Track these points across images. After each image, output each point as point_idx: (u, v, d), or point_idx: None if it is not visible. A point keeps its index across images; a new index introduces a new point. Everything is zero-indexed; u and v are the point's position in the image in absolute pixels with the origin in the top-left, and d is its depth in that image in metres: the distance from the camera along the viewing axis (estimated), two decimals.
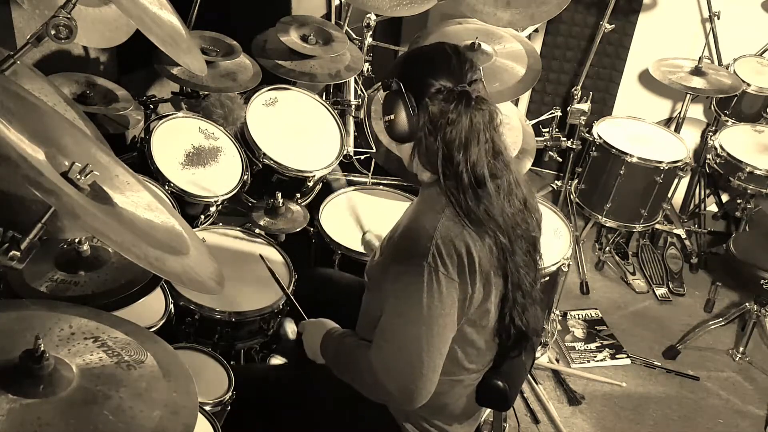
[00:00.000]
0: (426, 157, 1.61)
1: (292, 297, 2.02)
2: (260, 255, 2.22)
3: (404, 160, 1.70)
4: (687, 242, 3.73)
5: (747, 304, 3.13)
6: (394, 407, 1.75)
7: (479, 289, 1.57)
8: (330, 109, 2.80)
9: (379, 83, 2.91)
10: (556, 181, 3.83)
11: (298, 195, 2.59)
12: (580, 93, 3.59)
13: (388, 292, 1.58)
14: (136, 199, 1.40)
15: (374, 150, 2.79)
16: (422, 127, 1.58)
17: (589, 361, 3.07)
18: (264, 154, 2.51)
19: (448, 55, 1.61)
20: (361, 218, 2.59)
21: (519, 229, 1.63)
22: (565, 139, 3.41)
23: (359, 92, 2.95)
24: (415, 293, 1.51)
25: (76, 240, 1.59)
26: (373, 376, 1.58)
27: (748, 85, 3.57)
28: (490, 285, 1.59)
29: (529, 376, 2.15)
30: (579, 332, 3.20)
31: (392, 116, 1.61)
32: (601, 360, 3.09)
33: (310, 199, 2.69)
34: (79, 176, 1.23)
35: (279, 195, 2.37)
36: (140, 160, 2.34)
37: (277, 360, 2.27)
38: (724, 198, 3.89)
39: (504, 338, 1.69)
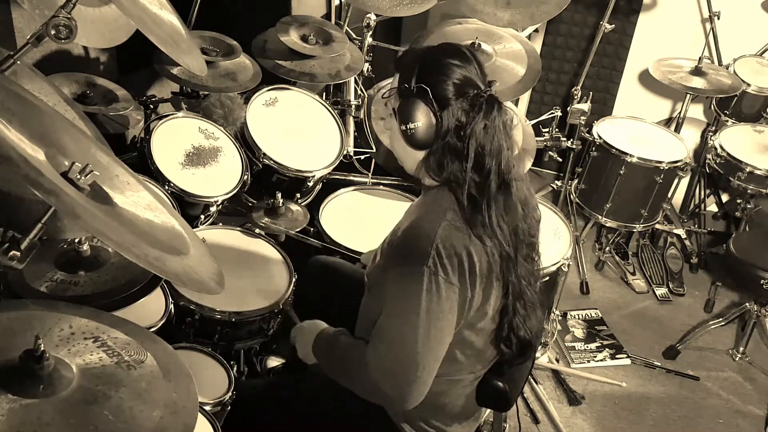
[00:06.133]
0: (440, 164, 1.57)
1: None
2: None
3: (406, 164, 1.66)
4: (687, 242, 3.73)
5: (747, 304, 3.13)
6: (389, 407, 1.75)
7: (479, 292, 1.56)
8: (330, 109, 2.80)
9: (380, 87, 2.91)
10: (556, 181, 3.83)
11: (298, 195, 2.59)
12: (580, 93, 3.59)
13: (387, 295, 1.57)
14: (136, 199, 1.40)
15: (374, 150, 2.80)
16: (446, 134, 1.55)
17: (589, 361, 3.07)
18: (264, 154, 2.51)
19: (468, 57, 1.58)
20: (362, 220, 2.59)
21: (522, 233, 1.63)
22: (565, 139, 3.41)
23: (359, 92, 2.95)
24: (415, 296, 1.50)
25: (76, 240, 1.59)
26: (367, 375, 1.57)
27: (748, 85, 3.57)
28: (490, 288, 1.58)
29: (529, 376, 2.15)
30: (579, 332, 3.20)
31: (418, 123, 1.55)
32: (601, 360, 3.08)
33: (310, 199, 2.69)
34: (79, 176, 1.23)
35: (279, 195, 2.37)
36: (140, 160, 2.34)
37: (274, 361, 2.27)
38: (724, 198, 3.89)
39: (507, 348, 1.68)
